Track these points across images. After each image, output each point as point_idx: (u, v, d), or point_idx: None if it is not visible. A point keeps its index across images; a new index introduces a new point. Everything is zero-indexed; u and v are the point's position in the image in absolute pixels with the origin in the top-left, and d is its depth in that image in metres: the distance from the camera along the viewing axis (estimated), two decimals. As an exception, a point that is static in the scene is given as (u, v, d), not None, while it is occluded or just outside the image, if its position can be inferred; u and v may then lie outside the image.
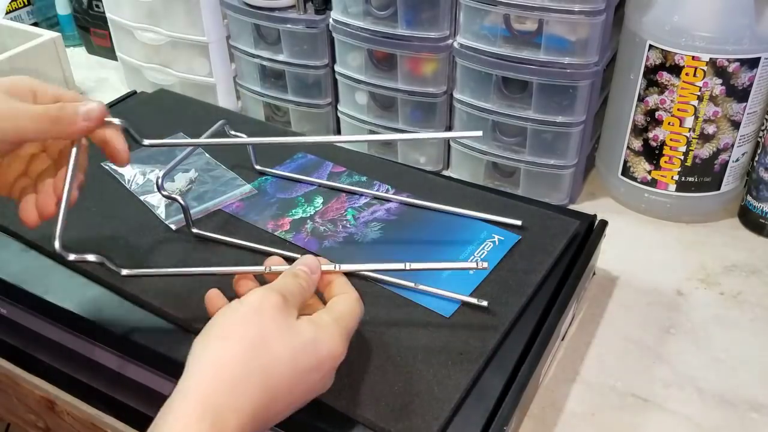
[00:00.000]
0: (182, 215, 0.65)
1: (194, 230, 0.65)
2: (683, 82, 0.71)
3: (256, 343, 0.43)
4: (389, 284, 0.59)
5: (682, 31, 0.69)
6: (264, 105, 0.96)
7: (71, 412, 0.64)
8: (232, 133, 0.71)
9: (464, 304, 0.57)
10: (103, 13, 1.04)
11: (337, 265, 0.51)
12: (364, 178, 0.72)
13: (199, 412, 0.39)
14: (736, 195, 0.80)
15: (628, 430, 0.57)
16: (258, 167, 0.73)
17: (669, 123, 0.74)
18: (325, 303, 0.50)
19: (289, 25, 0.86)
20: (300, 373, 0.44)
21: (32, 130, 0.49)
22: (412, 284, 0.58)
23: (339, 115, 0.91)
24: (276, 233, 0.65)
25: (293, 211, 0.68)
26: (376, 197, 0.69)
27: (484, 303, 0.57)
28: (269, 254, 0.62)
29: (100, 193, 0.71)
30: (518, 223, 0.65)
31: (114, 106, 0.87)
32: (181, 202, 0.63)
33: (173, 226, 0.66)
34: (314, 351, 0.44)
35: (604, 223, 0.68)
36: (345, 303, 0.49)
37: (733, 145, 0.75)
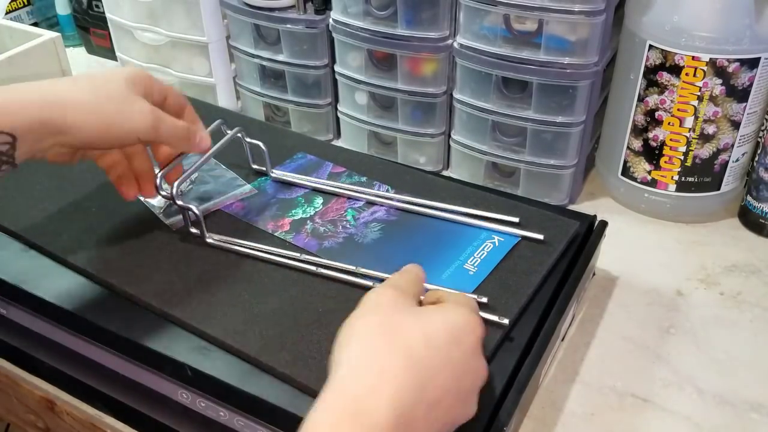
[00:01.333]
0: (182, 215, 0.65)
1: (194, 230, 0.65)
2: (683, 82, 0.71)
3: (384, 329, 0.42)
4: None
5: (682, 31, 0.69)
6: (264, 105, 0.96)
7: (71, 412, 0.64)
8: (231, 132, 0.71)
9: (464, 304, 0.57)
10: (103, 13, 1.04)
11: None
12: (364, 179, 0.72)
13: (348, 410, 0.38)
14: (736, 195, 0.80)
15: (628, 430, 0.57)
16: (256, 167, 0.73)
17: (669, 123, 0.74)
18: None
19: (289, 25, 0.86)
20: (436, 350, 0.42)
21: (169, 138, 0.58)
22: (412, 284, 0.58)
23: (339, 115, 0.91)
24: (276, 234, 0.65)
25: (293, 211, 0.68)
26: (376, 197, 0.69)
27: (484, 299, 0.57)
28: (269, 254, 0.62)
29: (100, 193, 0.71)
30: (517, 222, 0.65)
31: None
32: (180, 203, 0.63)
33: (173, 227, 0.66)
34: (444, 324, 0.43)
35: (604, 224, 0.68)
36: (458, 299, 0.49)
37: (733, 145, 0.75)
